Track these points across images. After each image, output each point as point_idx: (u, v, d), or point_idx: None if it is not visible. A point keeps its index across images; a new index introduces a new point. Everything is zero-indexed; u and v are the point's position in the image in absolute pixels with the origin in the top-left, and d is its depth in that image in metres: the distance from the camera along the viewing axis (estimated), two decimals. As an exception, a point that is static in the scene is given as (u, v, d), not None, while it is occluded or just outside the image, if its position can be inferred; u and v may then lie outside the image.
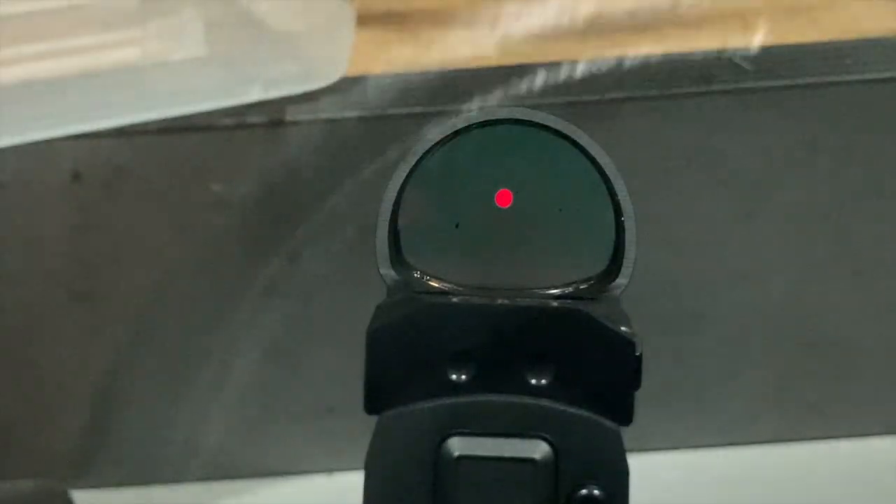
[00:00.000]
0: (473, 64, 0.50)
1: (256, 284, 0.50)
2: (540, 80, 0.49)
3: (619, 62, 0.49)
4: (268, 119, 0.47)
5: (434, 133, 0.33)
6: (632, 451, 0.31)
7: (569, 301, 0.32)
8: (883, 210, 0.50)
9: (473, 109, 0.33)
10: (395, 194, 0.33)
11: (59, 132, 0.46)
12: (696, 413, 0.53)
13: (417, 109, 0.48)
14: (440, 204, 0.33)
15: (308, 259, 0.49)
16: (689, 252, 0.50)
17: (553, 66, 0.49)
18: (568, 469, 0.31)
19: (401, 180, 0.33)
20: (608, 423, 0.31)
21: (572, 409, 0.31)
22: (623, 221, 0.33)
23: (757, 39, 0.50)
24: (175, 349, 0.50)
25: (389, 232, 0.33)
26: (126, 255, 0.49)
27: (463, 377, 0.31)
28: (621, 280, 0.33)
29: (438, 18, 0.52)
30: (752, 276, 0.50)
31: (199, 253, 0.49)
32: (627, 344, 0.31)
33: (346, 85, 0.48)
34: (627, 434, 0.32)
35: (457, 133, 0.33)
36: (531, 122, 0.33)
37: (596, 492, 0.31)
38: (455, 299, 0.32)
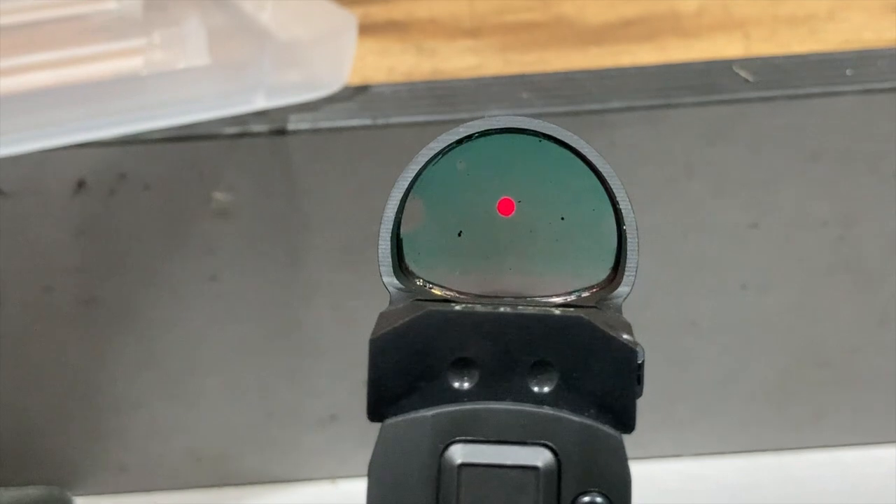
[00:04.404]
0: (475, 73, 0.50)
1: (259, 292, 0.50)
2: (541, 89, 0.49)
3: (620, 72, 0.50)
4: (270, 128, 0.48)
5: (436, 142, 0.33)
6: (633, 458, 0.31)
7: (571, 309, 0.32)
8: (883, 219, 0.50)
9: (475, 119, 0.33)
10: (397, 203, 0.33)
11: (64, 141, 0.46)
12: (698, 421, 0.53)
13: (419, 118, 0.48)
14: (443, 212, 0.33)
15: (310, 267, 0.49)
16: (691, 261, 0.50)
17: (554, 75, 0.49)
18: (570, 476, 0.31)
19: (403, 189, 0.33)
20: (610, 431, 0.31)
21: (575, 417, 0.31)
22: (625, 230, 0.33)
23: (757, 50, 0.50)
24: (178, 356, 0.50)
25: (392, 240, 0.33)
26: (130, 262, 0.49)
27: (466, 385, 0.31)
28: (623, 288, 0.33)
29: (440, 28, 0.52)
30: (753, 285, 0.51)
31: (201, 261, 0.49)
32: (629, 352, 0.31)
33: (349, 94, 0.48)
34: (629, 441, 0.32)
35: (459, 142, 0.33)
36: (533, 131, 0.33)
37: (598, 499, 0.31)
38: (458, 307, 0.32)
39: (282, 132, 0.48)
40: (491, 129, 0.33)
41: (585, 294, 0.33)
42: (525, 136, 0.33)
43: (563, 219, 0.33)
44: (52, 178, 0.47)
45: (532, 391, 0.31)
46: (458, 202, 0.33)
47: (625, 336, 0.31)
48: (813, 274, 0.51)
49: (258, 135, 0.48)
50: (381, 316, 0.32)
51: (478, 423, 0.31)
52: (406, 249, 0.33)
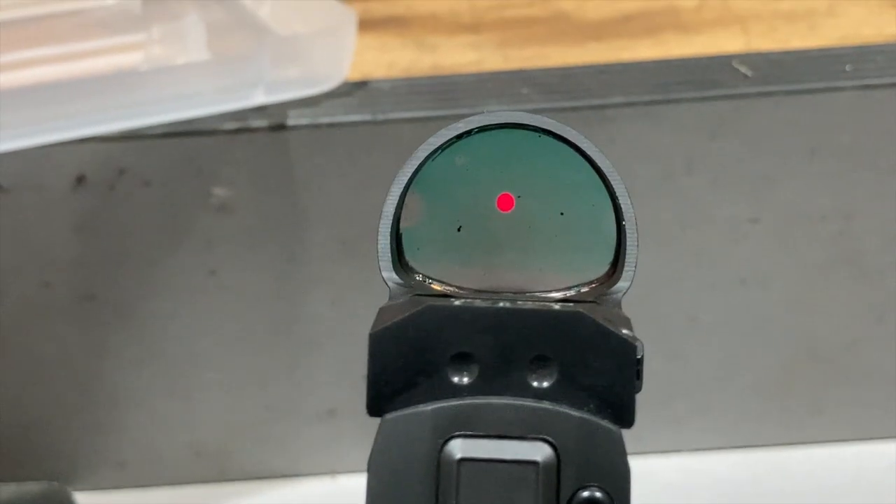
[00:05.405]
0: (475, 69, 0.50)
1: (258, 287, 0.50)
2: (541, 84, 0.49)
3: (620, 67, 0.50)
4: (270, 123, 0.48)
5: (436, 137, 0.33)
6: (633, 453, 0.31)
7: (570, 304, 0.32)
8: (882, 214, 0.50)
9: (475, 114, 0.33)
10: (397, 198, 0.33)
11: (63, 136, 0.46)
12: (697, 416, 0.53)
13: (419, 114, 0.48)
14: (442, 208, 0.33)
15: (309, 262, 0.49)
16: (690, 256, 0.50)
17: (554, 71, 0.49)
18: (570, 471, 0.31)
19: (403, 184, 0.33)
20: (610, 426, 0.31)
21: (574, 412, 0.31)
22: (624, 225, 0.33)
23: (757, 45, 0.50)
24: (177, 350, 0.50)
25: (391, 235, 0.33)
26: (129, 257, 0.49)
27: (465, 379, 0.31)
28: (623, 283, 0.33)
29: (440, 23, 0.52)
30: (753, 280, 0.51)
31: (200, 256, 0.49)
32: (628, 347, 0.31)
33: (348, 89, 0.48)
34: (628, 436, 0.32)
35: (459, 137, 0.33)
36: (532, 126, 0.33)
37: (598, 494, 0.31)
38: (457, 302, 0.32)
39: (281, 127, 0.48)
40: (490, 125, 0.33)
41: (585, 289, 0.33)
42: (524, 131, 0.33)
43: (562, 214, 0.33)
44: (52, 174, 0.47)
45: (531, 386, 0.31)
46: (457, 197, 0.33)
47: (624, 331, 0.31)
48: (812, 268, 0.51)
49: (257, 130, 0.48)
50: (381, 311, 0.32)
51: (477, 418, 0.31)
52: (405, 244, 0.33)
